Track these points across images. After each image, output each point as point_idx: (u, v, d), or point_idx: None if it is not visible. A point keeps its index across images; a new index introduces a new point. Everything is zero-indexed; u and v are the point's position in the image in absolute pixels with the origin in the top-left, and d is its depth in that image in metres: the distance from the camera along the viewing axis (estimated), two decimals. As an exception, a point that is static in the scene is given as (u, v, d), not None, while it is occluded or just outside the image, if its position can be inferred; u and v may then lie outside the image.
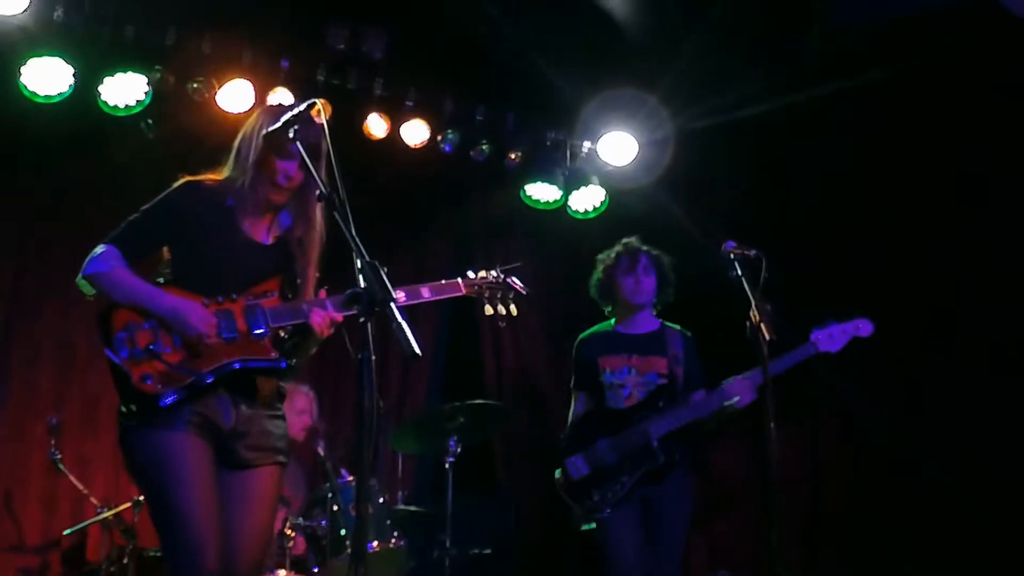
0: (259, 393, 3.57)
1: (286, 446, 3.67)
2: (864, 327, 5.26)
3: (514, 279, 3.95)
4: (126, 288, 3.48)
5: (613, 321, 5.58)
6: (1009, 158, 6.45)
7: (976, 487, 6.49)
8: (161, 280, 3.57)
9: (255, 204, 3.66)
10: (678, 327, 5.54)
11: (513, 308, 3.95)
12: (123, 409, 3.44)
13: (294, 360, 3.63)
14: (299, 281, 3.68)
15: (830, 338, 5.20)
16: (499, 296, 3.92)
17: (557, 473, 5.31)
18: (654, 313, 5.56)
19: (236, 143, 3.72)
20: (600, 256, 5.64)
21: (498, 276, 3.94)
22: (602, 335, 5.55)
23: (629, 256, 5.49)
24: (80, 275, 3.52)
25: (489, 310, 3.91)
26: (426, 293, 3.76)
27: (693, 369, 5.42)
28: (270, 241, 3.71)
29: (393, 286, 3.07)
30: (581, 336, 5.62)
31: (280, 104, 3.84)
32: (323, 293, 3.65)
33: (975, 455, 6.48)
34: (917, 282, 6.82)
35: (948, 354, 6.70)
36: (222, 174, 3.71)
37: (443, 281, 3.85)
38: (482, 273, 3.94)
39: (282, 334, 3.59)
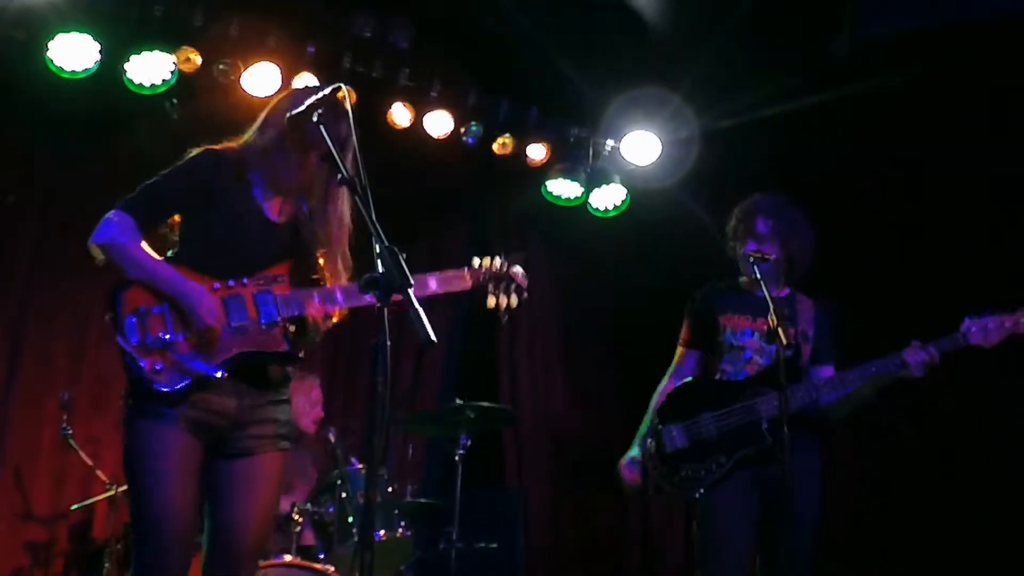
0: (266, 379, 3.49)
1: (290, 432, 3.58)
2: None
3: (516, 269, 3.76)
4: (141, 265, 3.40)
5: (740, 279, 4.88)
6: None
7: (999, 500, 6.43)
8: (169, 253, 3.50)
9: (277, 181, 3.57)
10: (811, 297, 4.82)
11: (514, 299, 3.74)
12: (127, 392, 3.39)
13: (302, 352, 3.54)
14: (321, 262, 3.58)
15: (985, 330, 4.31)
16: (502, 287, 3.74)
17: (649, 442, 4.65)
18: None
19: (264, 115, 3.63)
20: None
21: (502, 265, 3.76)
22: (725, 289, 4.89)
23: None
24: (93, 240, 3.42)
25: (491, 302, 3.72)
26: (433, 284, 3.65)
27: (823, 344, 4.65)
28: (280, 219, 3.60)
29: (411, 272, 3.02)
30: (700, 288, 4.95)
31: (307, 87, 3.74)
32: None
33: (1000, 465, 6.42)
34: (942, 284, 6.74)
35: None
36: (242, 140, 3.63)
37: (450, 272, 3.70)
38: (487, 260, 3.76)
39: (289, 326, 3.49)
